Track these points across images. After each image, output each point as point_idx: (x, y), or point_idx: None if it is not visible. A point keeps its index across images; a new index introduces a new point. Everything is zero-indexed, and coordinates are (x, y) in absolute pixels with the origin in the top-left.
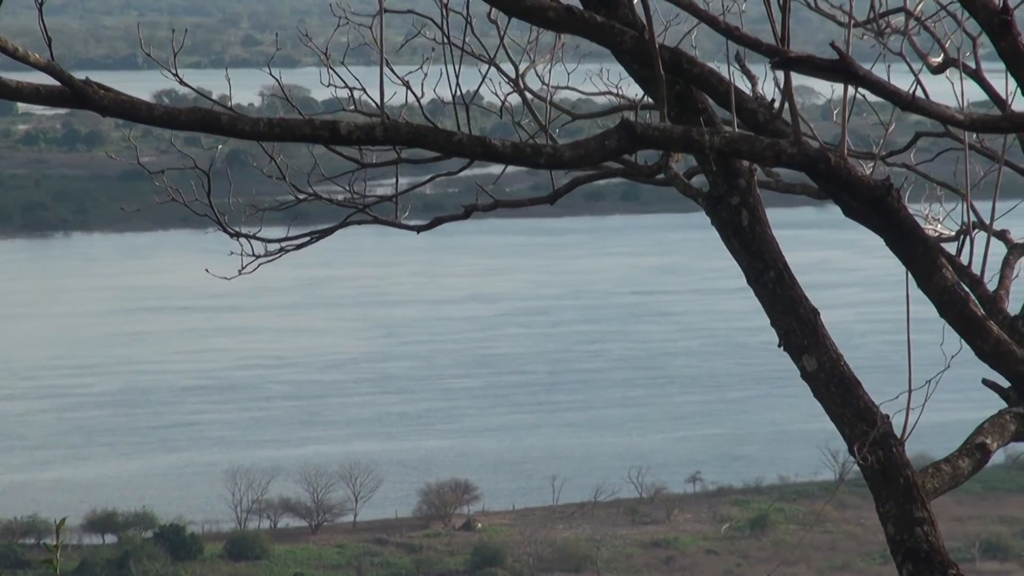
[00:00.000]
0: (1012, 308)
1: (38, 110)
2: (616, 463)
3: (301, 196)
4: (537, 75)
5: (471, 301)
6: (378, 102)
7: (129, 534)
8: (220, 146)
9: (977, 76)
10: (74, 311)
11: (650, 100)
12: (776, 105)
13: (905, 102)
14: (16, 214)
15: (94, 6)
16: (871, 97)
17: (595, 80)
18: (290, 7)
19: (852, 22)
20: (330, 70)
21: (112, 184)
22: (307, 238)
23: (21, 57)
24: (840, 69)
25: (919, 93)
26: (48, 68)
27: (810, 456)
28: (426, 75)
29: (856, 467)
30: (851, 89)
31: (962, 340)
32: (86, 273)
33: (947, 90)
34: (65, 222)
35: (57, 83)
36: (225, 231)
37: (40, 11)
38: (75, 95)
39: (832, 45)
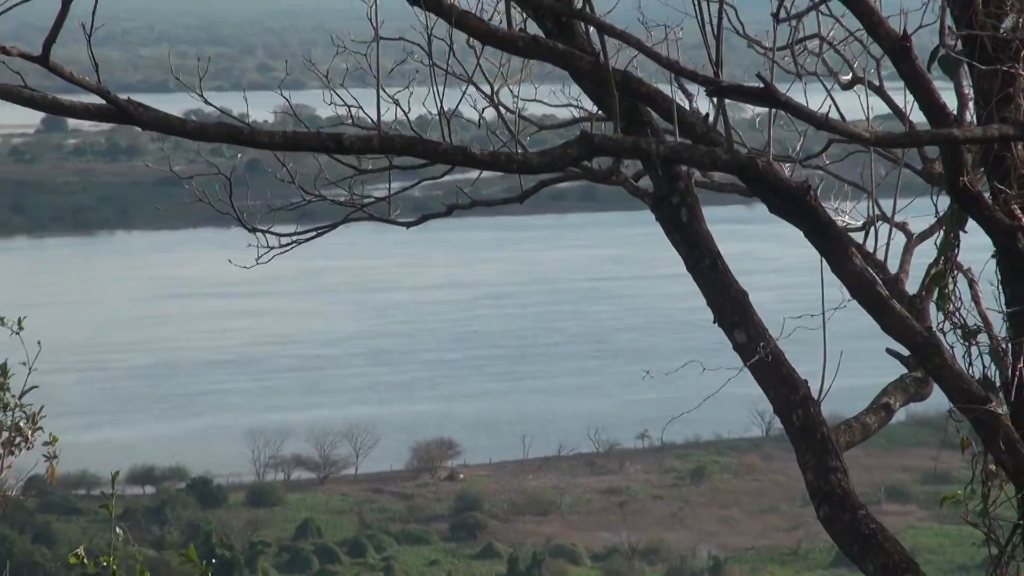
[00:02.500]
0: (911, 288)
1: (85, 126)
2: (576, 423)
3: (308, 198)
4: (510, 92)
5: (450, 287)
6: (373, 118)
7: (165, 486)
8: (239, 156)
9: (880, 92)
10: (115, 297)
11: (602, 113)
12: (711, 119)
13: (819, 123)
14: (67, 215)
15: (132, 39)
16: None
17: (557, 95)
18: (298, 39)
19: (775, 49)
20: (331, 91)
21: (149, 189)
22: (313, 233)
23: (75, 81)
24: (765, 95)
25: (833, 110)
26: (97, 90)
27: (741, 416)
28: (411, 93)
29: (780, 425)
30: None
31: (870, 317)
32: (126, 265)
33: (857, 104)
34: (108, 222)
35: (104, 102)
36: (244, 227)
37: (89, 43)
38: (120, 112)
39: (758, 75)
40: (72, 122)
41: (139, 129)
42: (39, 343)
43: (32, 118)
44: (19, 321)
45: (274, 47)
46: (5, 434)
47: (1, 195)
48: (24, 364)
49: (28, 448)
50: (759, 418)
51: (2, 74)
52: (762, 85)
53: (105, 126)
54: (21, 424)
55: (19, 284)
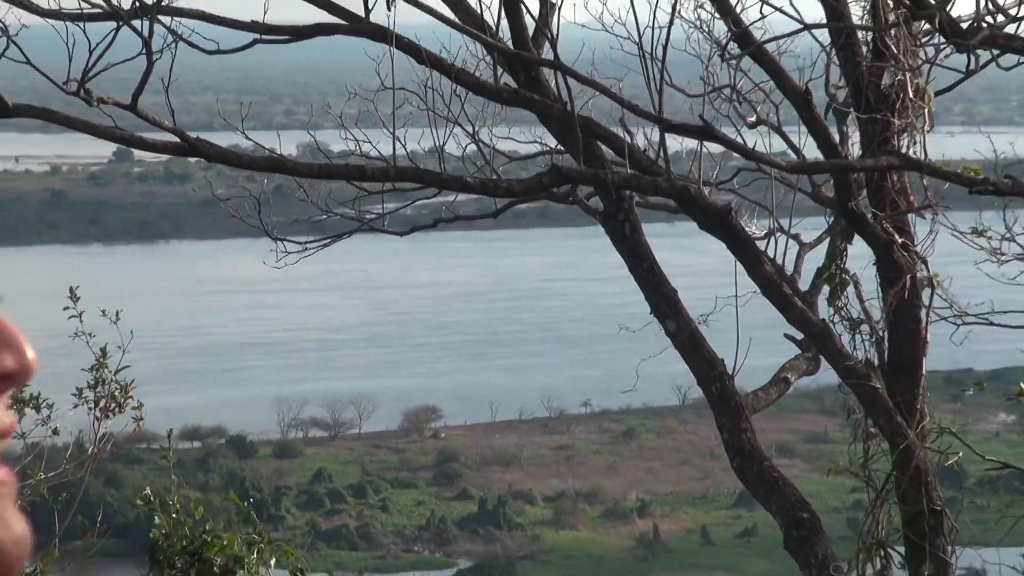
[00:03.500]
0: (803, 285)
1: (148, 157)
2: (533, 393)
3: (322, 215)
4: (488, 131)
5: (433, 286)
6: (375, 152)
7: (208, 441)
8: (266, 181)
9: (779, 131)
10: (169, 293)
11: (560, 148)
12: (654, 155)
13: (747, 154)
14: (133, 228)
15: (184, 89)
16: (714, 147)
17: (525, 134)
18: (317, 89)
19: (706, 95)
20: (344, 129)
21: (196, 208)
22: (326, 242)
23: (157, 124)
24: (705, 132)
25: (760, 146)
26: (174, 130)
27: (663, 389)
28: (407, 131)
29: (694, 395)
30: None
31: (775, 310)
32: (178, 268)
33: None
34: (165, 233)
35: (179, 140)
36: (271, 237)
37: (167, 96)
38: (190, 147)
39: (700, 117)
40: (137, 153)
41: (191, 160)
42: (132, 332)
43: (106, 150)
44: (116, 313)
45: (297, 96)
46: (103, 401)
47: (82, 212)
48: (119, 347)
49: (120, 413)
50: (677, 391)
51: (81, 112)
52: (702, 123)
53: (164, 158)
54: (116, 394)
55: (95, 282)
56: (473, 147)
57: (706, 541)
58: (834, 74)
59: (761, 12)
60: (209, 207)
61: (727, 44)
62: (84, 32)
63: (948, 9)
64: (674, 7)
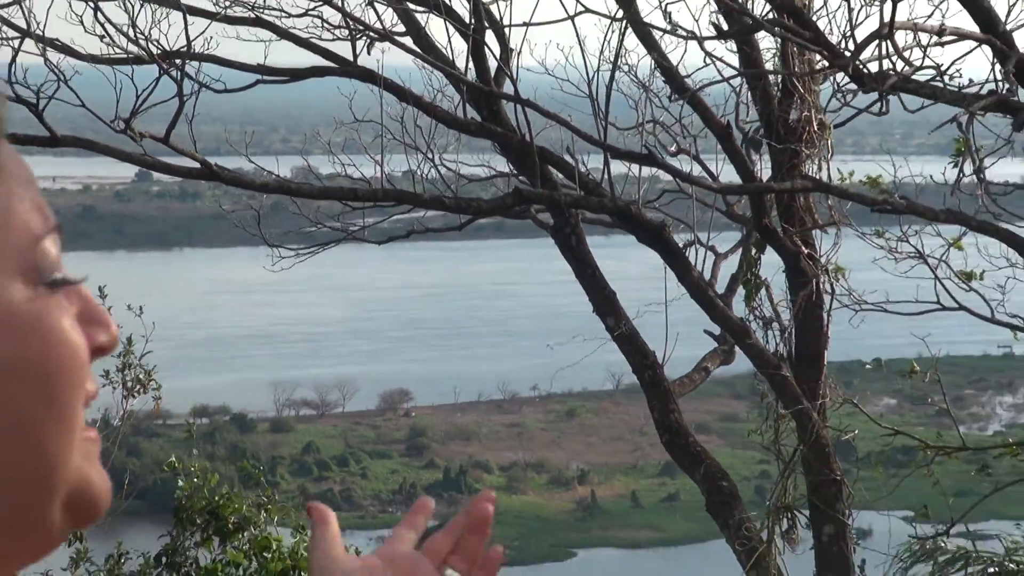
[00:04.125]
0: (719, 288)
1: (165, 178)
2: (490, 379)
3: (313, 227)
4: (455, 158)
5: (406, 288)
6: (361, 174)
7: (215, 418)
8: (265, 198)
9: (698, 159)
10: (182, 293)
11: (512, 171)
12: (599, 178)
13: (683, 177)
14: (152, 238)
15: (196, 120)
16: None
17: (476, 158)
18: (308, 121)
19: (640, 127)
20: (332, 155)
21: (206, 220)
22: (316, 249)
23: (184, 152)
24: (650, 160)
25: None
26: (198, 158)
27: (601, 374)
28: (385, 158)
29: (627, 380)
30: (641, 167)
31: (699, 309)
32: (191, 272)
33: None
34: (179, 242)
35: (200, 166)
36: (269, 245)
37: (190, 129)
38: (210, 172)
39: (644, 145)
40: (156, 175)
41: (202, 180)
42: (154, 323)
43: (129, 172)
44: (140, 308)
45: (291, 126)
46: (131, 383)
47: (109, 224)
48: (143, 336)
49: (144, 393)
50: (612, 376)
51: (108, 139)
52: (646, 151)
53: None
54: (141, 377)
55: (121, 283)
56: (435, 171)
57: (636, 504)
58: (752, 110)
59: (682, 70)
60: (216, 220)
61: (668, 92)
62: (114, 74)
63: (858, 58)
64: (615, 60)
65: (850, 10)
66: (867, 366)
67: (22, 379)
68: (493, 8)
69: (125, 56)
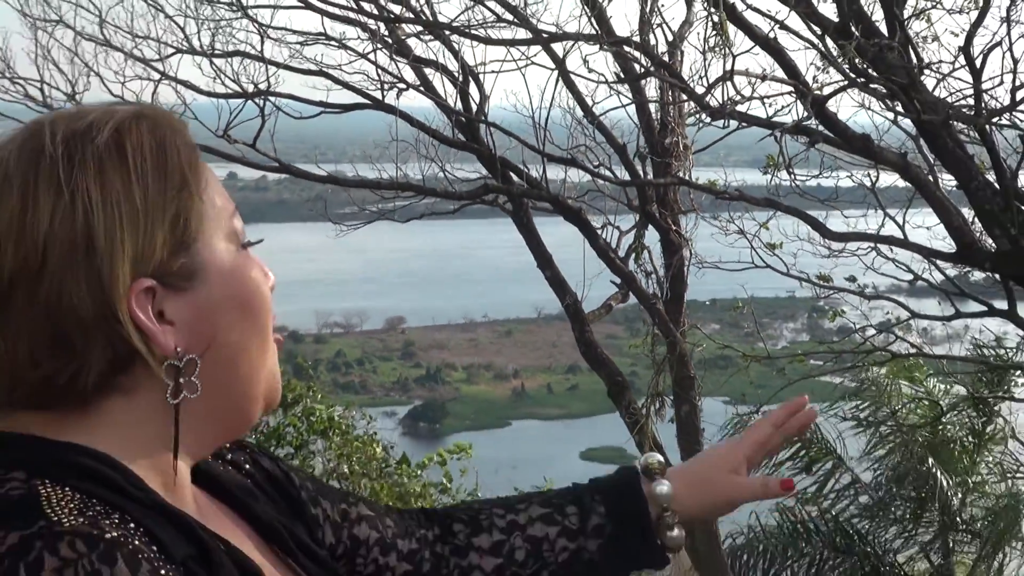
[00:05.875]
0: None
1: (247, 177)
2: (456, 310)
3: (356, 209)
4: (451, 164)
5: (403, 250)
6: (387, 174)
7: (275, 334)
8: (312, 190)
9: (605, 166)
10: (254, 251)
11: (488, 174)
12: (538, 177)
13: (598, 176)
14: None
15: (266, 137)
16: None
17: (466, 167)
18: (341, 139)
19: (569, 149)
20: (373, 162)
21: (272, 204)
22: (359, 224)
23: (269, 156)
24: (572, 163)
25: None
26: (275, 159)
27: (530, 307)
28: (403, 162)
29: (547, 311)
30: (580, 172)
31: (605, 266)
32: (262, 244)
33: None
34: (253, 219)
35: (278, 164)
36: (332, 222)
37: (272, 140)
38: (286, 169)
39: (568, 153)
40: (240, 175)
41: (270, 177)
42: None
43: (221, 172)
44: None
45: (325, 144)
46: None
47: None
48: None
49: None
50: (536, 309)
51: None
52: (571, 158)
53: (257, 175)
54: None
55: None
56: (436, 173)
57: (550, 392)
58: (642, 137)
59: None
60: (280, 204)
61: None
62: (216, 104)
63: (708, 98)
64: (552, 99)
65: (705, 63)
66: (707, 303)
67: (240, 309)
68: (469, 59)
69: (227, 92)
